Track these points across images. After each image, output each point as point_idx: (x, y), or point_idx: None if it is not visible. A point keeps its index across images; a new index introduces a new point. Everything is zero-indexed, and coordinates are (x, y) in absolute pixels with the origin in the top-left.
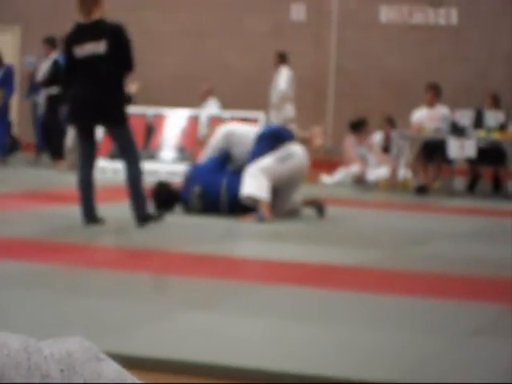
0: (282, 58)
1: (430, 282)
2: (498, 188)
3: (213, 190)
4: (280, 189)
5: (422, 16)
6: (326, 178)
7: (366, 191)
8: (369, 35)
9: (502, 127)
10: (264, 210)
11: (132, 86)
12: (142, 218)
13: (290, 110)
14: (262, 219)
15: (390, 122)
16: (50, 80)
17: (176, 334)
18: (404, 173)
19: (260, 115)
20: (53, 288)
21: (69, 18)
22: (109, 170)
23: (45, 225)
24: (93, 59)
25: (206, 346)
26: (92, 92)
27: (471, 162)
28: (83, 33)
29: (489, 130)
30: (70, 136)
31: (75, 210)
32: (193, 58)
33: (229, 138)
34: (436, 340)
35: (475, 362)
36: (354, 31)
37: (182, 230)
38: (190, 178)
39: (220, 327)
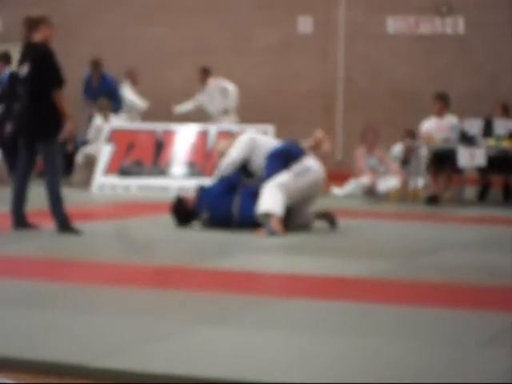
0: (206, 72)
1: (441, 292)
2: (508, 196)
3: (222, 213)
4: (297, 203)
5: (428, 26)
6: (337, 190)
7: (376, 202)
8: (376, 46)
9: None
10: (275, 224)
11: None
12: (62, 225)
13: (229, 122)
14: (273, 233)
15: (410, 134)
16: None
17: (189, 350)
18: (420, 183)
19: (269, 128)
20: (62, 306)
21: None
22: (119, 186)
23: (45, 242)
24: (23, 80)
25: (219, 361)
26: (22, 110)
27: (481, 170)
28: (22, 54)
29: (498, 138)
30: (81, 153)
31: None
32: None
33: (251, 145)
34: (448, 350)
35: (487, 373)
36: (362, 43)
37: (195, 245)
38: (200, 202)
39: (233, 342)
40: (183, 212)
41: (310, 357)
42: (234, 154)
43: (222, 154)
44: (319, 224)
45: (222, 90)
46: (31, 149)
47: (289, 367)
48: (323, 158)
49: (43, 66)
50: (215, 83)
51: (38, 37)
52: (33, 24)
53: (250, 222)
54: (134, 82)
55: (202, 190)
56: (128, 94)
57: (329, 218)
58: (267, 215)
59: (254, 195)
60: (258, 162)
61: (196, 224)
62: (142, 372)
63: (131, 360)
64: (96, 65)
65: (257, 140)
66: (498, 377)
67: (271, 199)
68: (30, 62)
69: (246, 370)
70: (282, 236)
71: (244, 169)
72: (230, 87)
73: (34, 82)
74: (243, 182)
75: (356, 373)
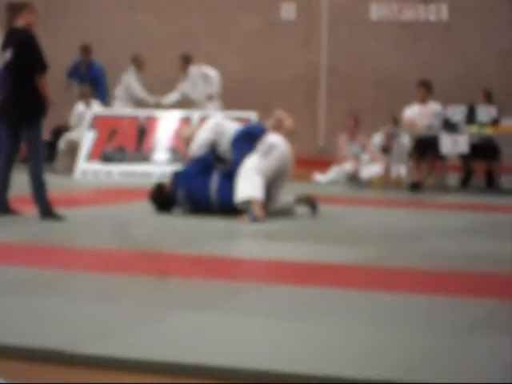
0: (187, 60)
1: (425, 279)
2: (491, 183)
3: (200, 191)
4: (271, 184)
5: (412, 12)
6: (320, 177)
7: (359, 189)
8: (360, 33)
9: (495, 122)
10: (257, 210)
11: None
12: (45, 211)
13: (213, 108)
14: (255, 219)
15: (392, 121)
16: None
17: (174, 336)
18: (403, 170)
19: (252, 115)
20: (45, 292)
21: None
22: (102, 172)
23: (28, 228)
24: (7, 65)
25: (204, 347)
26: (6, 95)
27: (464, 157)
28: (5, 40)
29: (481, 125)
30: (64, 139)
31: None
32: None
33: (218, 128)
34: (433, 336)
35: (473, 358)
36: (345, 29)
37: (178, 231)
38: (175, 184)
39: (217, 328)
40: (162, 198)
41: (292, 343)
42: (201, 136)
43: (186, 141)
44: (302, 210)
45: (204, 77)
46: (14, 134)
47: (272, 353)
48: (288, 135)
49: (26, 51)
50: (197, 70)
51: (20, 22)
52: (15, 10)
53: (229, 205)
54: (139, 67)
55: (177, 173)
56: (131, 80)
57: (310, 202)
58: (248, 202)
59: (229, 176)
60: (225, 147)
61: (176, 210)
62: (126, 358)
63: (115, 346)
64: (85, 50)
65: (223, 124)
66: (482, 362)
67: (249, 185)
68: (13, 48)
69: (229, 355)
70: (264, 222)
71: (213, 153)
72: (212, 73)
73: (17, 67)
74: (216, 164)
75: (338, 359)
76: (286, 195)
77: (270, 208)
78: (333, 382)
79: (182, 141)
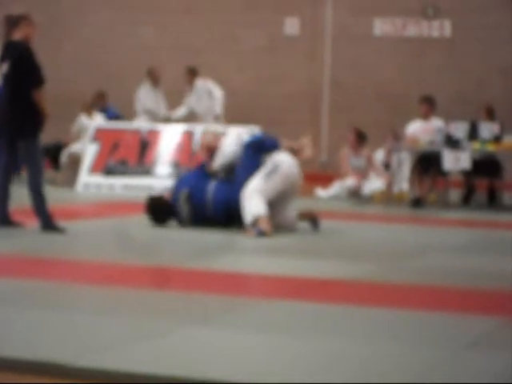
0: (192, 73)
1: (425, 295)
2: (493, 200)
3: (199, 194)
4: (276, 202)
5: (415, 28)
6: (322, 192)
7: (361, 204)
8: (363, 48)
9: (497, 139)
10: (264, 225)
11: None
12: (46, 224)
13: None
14: (262, 233)
15: (393, 136)
16: None
17: (174, 350)
18: (404, 186)
19: (255, 130)
20: (46, 304)
21: None
22: (104, 185)
23: (29, 240)
24: (4, 79)
25: (204, 361)
26: (3, 109)
27: (466, 174)
28: (2, 53)
29: (483, 141)
30: (66, 152)
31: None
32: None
33: (240, 139)
34: (432, 353)
35: (472, 375)
36: (349, 44)
37: (180, 245)
38: (177, 186)
39: (217, 342)
40: (159, 210)
41: (291, 358)
42: (228, 149)
43: (209, 147)
44: (304, 226)
45: (208, 92)
46: (12, 147)
47: (273, 368)
48: (304, 163)
49: (22, 64)
50: (203, 83)
51: (18, 35)
52: (13, 22)
53: (222, 207)
54: (155, 82)
55: (180, 177)
56: (143, 96)
57: (312, 218)
58: (255, 220)
59: (226, 181)
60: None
61: (173, 221)
62: (126, 371)
63: (115, 359)
64: (100, 97)
65: (243, 135)
66: (482, 379)
67: (253, 205)
68: (10, 61)
69: (230, 370)
70: (270, 236)
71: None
72: (217, 92)
73: (14, 80)
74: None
75: (341, 375)
76: (290, 212)
77: (276, 223)
78: None
79: (204, 146)
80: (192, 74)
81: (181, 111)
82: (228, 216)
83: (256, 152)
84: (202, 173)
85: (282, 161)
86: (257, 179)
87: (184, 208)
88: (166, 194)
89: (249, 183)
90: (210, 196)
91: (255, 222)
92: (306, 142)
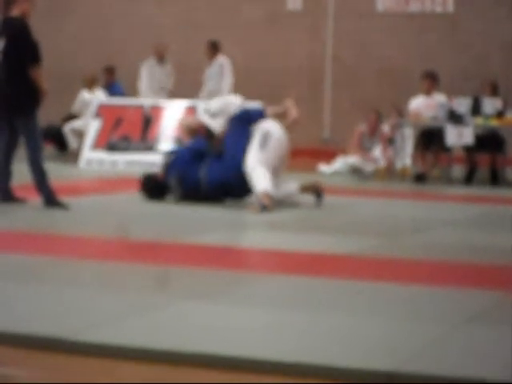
0: (214, 47)
1: (427, 270)
2: (495, 177)
3: (191, 178)
4: (274, 169)
5: (418, 4)
6: (324, 167)
7: (364, 180)
8: (365, 24)
9: (500, 114)
10: (265, 200)
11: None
12: (48, 200)
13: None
14: (264, 208)
15: (397, 112)
16: None
17: (175, 324)
18: (407, 162)
19: (256, 105)
20: (47, 279)
21: None
22: (107, 161)
23: (31, 216)
24: (1, 55)
25: (205, 336)
26: (1, 85)
27: (469, 149)
28: (0, 29)
29: (486, 117)
30: (68, 127)
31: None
32: (189, 49)
33: (226, 104)
34: (432, 327)
35: (472, 349)
36: (351, 20)
37: (181, 220)
38: (170, 167)
39: (221, 317)
40: (154, 186)
41: (294, 333)
42: (214, 104)
43: (188, 129)
44: (307, 200)
45: (221, 70)
46: (11, 125)
47: (273, 343)
48: (290, 125)
49: (19, 41)
50: (222, 60)
51: (15, 12)
52: None
53: (216, 186)
54: (160, 58)
55: (171, 155)
56: (146, 73)
57: (315, 190)
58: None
59: (218, 161)
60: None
61: (169, 197)
62: (127, 346)
63: (115, 334)
64: (109, 72)
65: (232, 103)
66: (482, 353)
67: (261, 178)
68: (6, 37)
69: (230, 344)
70: (272, 211)
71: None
72: (229, 73)
73: (11, 57)
74: (208, 150)
75: (342, 349)
76: (290, 184)
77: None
78: (332, 370)
79: (183, 129)
80: (214, 48)
81: (203, 94)
82: (223, 192)
83: (244, 124)
84: (193, 153)
85: (271, 127)
86: (253, 151)
87: (176, 191)
88: (159, 173)
89: (247, 157)
90: (204, 177)
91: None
92: (289, 104)
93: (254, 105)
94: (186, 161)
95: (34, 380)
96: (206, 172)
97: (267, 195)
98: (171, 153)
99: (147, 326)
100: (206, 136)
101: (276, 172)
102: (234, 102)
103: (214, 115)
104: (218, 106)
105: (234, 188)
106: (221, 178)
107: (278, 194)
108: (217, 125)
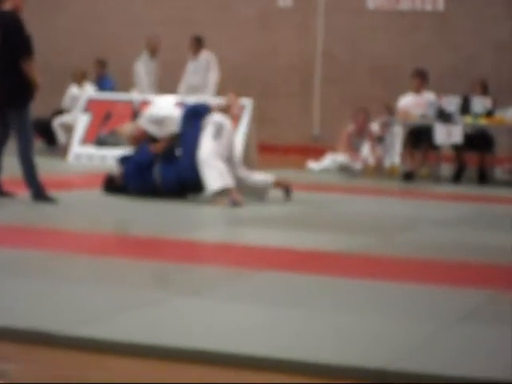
0: (199, 43)
1: (416, 268)
2: (484, 174)
3: (146, 183)
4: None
5: (408, 2)
6: (313, 165)
7: (352, 178)
8: (356, 21)
9: (489, 113)
10: (234, 195)
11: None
12: (37, 194)
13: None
14: (235, 204)
15: (387, 110)
16: None
17: (167, 320)
18: (396, 160)
19: (248, 102)
20: (38, 274)
21: None
22: (96, 156)
23: (20, 210)
24: None
25: (197, 332)
26: None
27: (457, 148)
28: None
29: (476, 116)
30: (58, 121)
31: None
32: (181, 46)
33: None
34: (424, 326)
35: (463, 348)
36: (341, 17)
37: (168, 217)
38: (124, 177)
39: (210, 314)
40: (114, 189)
41: (282, 329)
42: (153, 111)
43: (131, 138)
44: (276, 193)
45: (207, 66)
46: (3, 118)
47: (263, 339)
48: (233, 120)
49: (12, 34)
50: (207, 56)
51: (7, 5)
52: None
53: (173, 188)
54: (153, 53)
55: (123, 162)
56: (140, 68)
57: (284, 187)
58: (223, 191)
59: (169, 161)
60: (168, 129)
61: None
62: (120, 341)
63: (109, 329)
64: (100, 64)
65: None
66: (474, 351)
67: (217, 173)
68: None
69: (219, 341)
70: (243, 206)
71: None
72: (215, 69)
73: (3, 50)
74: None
75: (333, 347)
76: (266, 175)
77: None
78: (322, 367)
79: (125, 138)
80: (198, 43)
81: (182, 88)
82: (181, 189)
83: (194, 119)
84: (139, 165)
85: (222, 120)
86: (207, 143)
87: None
88: (118, 176)
89: (200, 149)
90: (159, 179)
91: (226, 193)
92: (231, 100)
93: (196, 100)
94: (137, 169)
95: (28, 375)
96: (160, 176)
97: (235, 190)
98: (122, 160)
99: (142, 321)
100: (149, 140)
101: (229, 162)
102: (176, 118)
103: (155, 122)
104: (159, 117)
105: (191, 185)
106: (177, 177)
107: (249, 181)
108: (157, 130)
